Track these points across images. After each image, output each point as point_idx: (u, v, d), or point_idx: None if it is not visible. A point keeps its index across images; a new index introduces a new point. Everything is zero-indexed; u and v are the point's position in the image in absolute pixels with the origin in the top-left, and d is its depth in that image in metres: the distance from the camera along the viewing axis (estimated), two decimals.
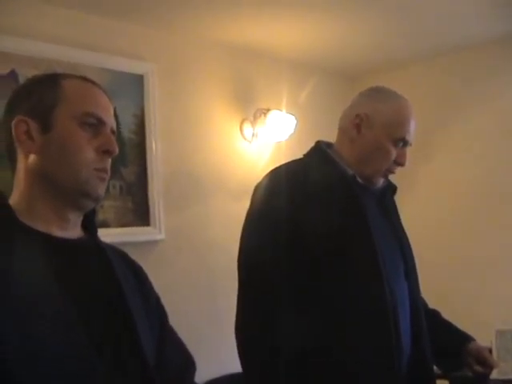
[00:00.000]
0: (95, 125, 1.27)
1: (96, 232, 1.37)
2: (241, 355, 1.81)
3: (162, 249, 3.30)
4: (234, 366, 1.94)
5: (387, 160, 1.90)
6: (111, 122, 1.31)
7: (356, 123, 1.92)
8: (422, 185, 4.14)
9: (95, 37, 3.12)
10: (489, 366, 2.03)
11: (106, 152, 1.27)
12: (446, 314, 2.18)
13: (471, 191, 3.93)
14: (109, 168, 1.30)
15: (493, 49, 3.84)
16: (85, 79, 1.32)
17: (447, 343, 2.09)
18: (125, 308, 1.27)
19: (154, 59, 3.36)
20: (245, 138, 3.81)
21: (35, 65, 2.79)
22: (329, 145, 2.00)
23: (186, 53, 3.56)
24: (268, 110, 3.77)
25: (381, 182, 1.96)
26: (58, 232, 1.25)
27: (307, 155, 2.00)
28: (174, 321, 1.48)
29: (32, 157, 1.24)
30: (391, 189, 2.04)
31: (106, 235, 1.39)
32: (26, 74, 2.72)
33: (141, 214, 3.22)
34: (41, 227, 1.22)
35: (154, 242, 3.27)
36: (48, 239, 1.22)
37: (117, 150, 1.29)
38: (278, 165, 1.94)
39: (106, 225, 2.94)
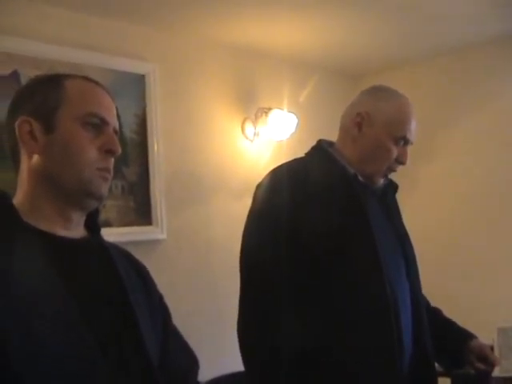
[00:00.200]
0: (98, 125, 1.27)
1: (99, 231, 1.37)
2: (242, 355, 1.81)
3: (163, 248, 3.30)
4: (236, 365, 1.94)
5: (388, 158, 1.90)
6: (114, 122, 1.31)
7: (357, 122, 1.92)
8: (423, 184, 4.15)
9: (97, 37, 3.13)
10: (490, 364, 2.03)
11: (109, 152, 1.28)
12: (448, 313, 2.18)
13: (472, 191, 3.94)
14: (112, 168, 1.30)
15: (493, 48, 3.85)
16: (88, 79, 1.32)
17: (449, 341, 2.09)
18: (128, 307, 1.27)
19: (155, 59, 3.37)
20: (246, 137, 3.82)
21: (37, 65, 2.80)
22: (330, 144, 2.00)
23: (187, 53, 3.56)
24: (269, 109, 3.78)
25: (382, 180, 1.96)
26: (61, 231, 1.25)
27: (308, 154, 2.00)
28: (176, 320, 1.48)
29: (35, 157, 1.24)
30: (392, 187, 2.04)
31: (108, 234, 1.39)
32: (28, 74, 2.73)
33: (143, 214, 3.23)
34: (44, 227, 1.22)
35: (156, 242, 3.28)
36: (51, 239, 1.22)
37: (119, 150, 1.29)
38: (279, 164, 1.94)
39: (108, 224, 2.95)
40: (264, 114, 3.79)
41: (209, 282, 3.49)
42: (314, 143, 2.02)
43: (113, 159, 1.30)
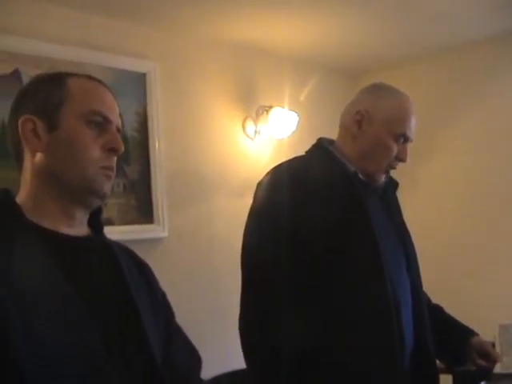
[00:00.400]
0: (101, 123, 1.27)
1: (102, 229, 1.37)
2: (243, 354, 1.82)
3: (165, 246, 3.31)
4: (238, 362, 1.95)
5: (388, 156, 1.90)
6: (117, 121, 1.32)
7: (357, 119, 1.92)
8: (423, 182, 4.15)
9: (98, 36, 3.13)
10: (492, 361, 2.03)
11: (112, 150, 1.28)
12: (449, 310, 2.19)
13: (473, 189, 3.94)
14: (115, 166, 1.30)
15: (494, 47, 3.85)
16: (90, 78, 1.32)
17: (450, 338, 2.09)
18: (131, 305, 1.27)
19: (156, 58, 3.37)
20: (247, 136, 3.82)
21: (38, 64, 2.81)
22: (331, 142, 2.01)
23: (188, 51, 3.57)
24: (270, 107, 3.78)
25: (383, 178, 1.96)
26: (64, 229, 1.25)
27: (309, 152, 2.01)
28: (178, 318, 1.48)
29: (39, 155, 1.25)
30: (393, 185, 2.05)
31: (110, 233, 1.40)
32: (29, 73, 2.74)
33: (144, 212, 3.23)
34: (47, 225, 1.23)
35: (158, 240, 3.28)
36: (55, 236, 1.22)
37: (122, 148, 1.29)
38: (280, 162, 1.95)
39: (109, 222, 2.95)
40: (265, 113, 3.80)
41: (210, 279, 3.49)
42: (314, 141, 2.03)
43: (116, 157, 1.30)
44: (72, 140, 1.24)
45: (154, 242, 3.24)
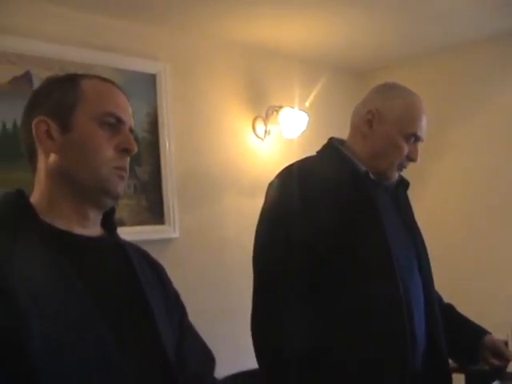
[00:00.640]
0: (114, 124, 1.28)
1: (115, 230, 1.38)
2: (255, 354, 1.82)
3: (176, 247, 3.31)
4: (250, 362, 1.95)
5: (399, 155, 1.90)
6: (130, 121, 1.32)
7: (368, 119, 1.92)
8: (433, 182, 4.14)
9: (108, 37, 3.14)
10: (505, 359, 2.03)
11: (125, 150, 1.29)
12: (461, 309, 2.18)
13: (483, 187, 3.93)
14: (128, 166, 1.31)
15: (505, 43, 3.83)
16: (103, 79, 1.33)
17: (463, 337, 2.08)
18: (145, 305, 1.27)
19: (166, 59, 3.38)
20: (257, 136, 3.82)
21: (49, 66, 2.83)
22: (341, 141, 2.00)
23: (198, 52, 3.57)
24: (280, 107, 3.78)
25: (395, 177, 1.96)
26: (78, 230, 1.26)
27: (320, 152, 2.01)
28: (189, 318, 1.49)
29: (52, 156, 1.25)
30: (404, 184, 2.04)
31: (121, 234, 1.40)
32: (40, 75, 2.76)
33: (155, 213, 3.24)
34: (61, 225, 1.23)
35: (169, 240, 3.29)
36: (68, 237, 1.23)
37: (136, 149, 1.30)
38: (290, 162, 1.95)
39: (120, 223, 2.92)
40: (275, 113, 3.80)
41: (222, 279, 3.50)
42: (324, 141, 2.02)
43: (129, 158, 1.31)
44: (85, 141, 1.25)
45: (164, 242, 3.25)
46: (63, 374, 1.06)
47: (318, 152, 2.01)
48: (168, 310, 1.36)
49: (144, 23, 3.28)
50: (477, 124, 3.97)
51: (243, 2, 3.10)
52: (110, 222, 1.37)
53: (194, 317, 1.50)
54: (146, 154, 3.23)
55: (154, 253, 1.50)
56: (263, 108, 3.83)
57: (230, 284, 3.50)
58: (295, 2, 3.13)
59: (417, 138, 1.91)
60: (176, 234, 3.32)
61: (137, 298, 1.28)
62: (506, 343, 2.13)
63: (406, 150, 1.89)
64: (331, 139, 2.01)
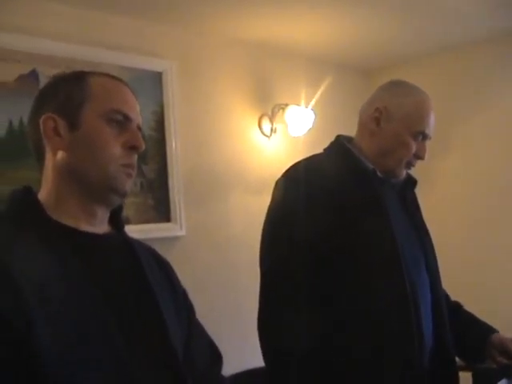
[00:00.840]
0: (122, 121, 1.28)
1: (123, 227, 1.38)
2: (261, 352, 1.82)
3: (182, 245, 3.31)
4: (257, 361, 1.95)
5: (407, 153, 1.89)
6: (137, 119, 1.32)
7: (375, 117, 1.91)
8: (441, 179, 4.13)
9: (115, 35, 3.14)
10: None
11: (133, 148, 1.29)
12: (469, 308, 2.17)
13: (490, 184, 3.92)
14: (135, 164, 1.31)
15: (510, 41, 3.81)
16: (111, 76, 1.33)
17: (470, 335, 2.08)
18: (154, 305, 1.27)
19: (172, 57, 3.38)
20: (263, 134, 3.82)
21: (56, 64, 2.83)
22: (349, 139, 2.00)
23: (204, 50, 3.57)
24: (286, 105, 3.78)
25: (403, 175, 1.96)
26: (85, 227, 1.26)
27: (327, 150, 2.00)
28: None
29: (60, 153, 1.25)
30: (411, 182, 2.04)
31: (127, 232, 1.40)
32: (46, 73, 2.77)
33: (161, 211, 3.24)
34: (69, 222, 1.23)
35: (175, 238, 3.29)
36: (76, 234, 1.23)
37: (143, 146, 1.30)
38: (296, 160, 1.94)
39: (126, 221, 2.91)
40: (281, 110, 3.80)
41: (228, 277, 3.49)
42: (330, 139, 2.02)
43: (136, 156, 1.31)
44: (93, 138, 1.25)
45: (171, 240, 3.25)
46: (73, 375, 1.06)
47: (325, 149, 2.01)
48: (176, 309, 1.36)
49: (151, 21, 3.27)
50: (481, 123, 3.96)
51: (250, 1, 3.10)
52: (117, 220, 1.37)
53: (201, 315, 1.50)
54: (153, 152, 3.23)
55: (161, 251, 1.50)
56: (269, 106, 3.83)
57: (237, 282, 3.50)
58: (302, 1, 3.13)
59: (425, 136, 1.90)
60: (182, 232, 3.32)
61: (145, 297, 1.27)
62: None
63: (413, 147, 1.88)
64: (338, 137, 2.00)
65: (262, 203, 1.97)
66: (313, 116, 3.79)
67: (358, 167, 1.90)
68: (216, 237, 3.49)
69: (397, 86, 1.97)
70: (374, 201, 1.84)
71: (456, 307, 2.14)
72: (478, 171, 3.97)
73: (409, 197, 2.02)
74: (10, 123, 2.69)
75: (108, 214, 1.34)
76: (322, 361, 1.72)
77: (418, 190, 2.06)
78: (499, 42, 3.83)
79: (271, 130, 3.82)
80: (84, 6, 2.98)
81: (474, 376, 2.30)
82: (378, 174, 1.89)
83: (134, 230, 1.48)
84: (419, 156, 1.91)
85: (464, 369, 2.18)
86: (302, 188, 1.80)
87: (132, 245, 1.35)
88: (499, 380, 2.06)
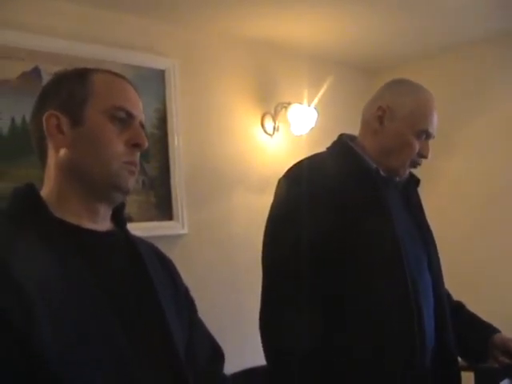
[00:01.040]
0: (124, 119, 1.28)
1: (125, 225, 1.38)
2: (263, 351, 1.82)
3: (184, 243, 3.31)
4: (258, 359, 1.94)
5: (410, 152, 1.89)
6: (140, 116, 1.32)
7: (378, 115, 1.91)
8: (443, 179, 4.12)
9: (117, 33, 3.14)
10: None
11: (136, 145, 1.28)
12: (471, 307, 2.17)
13: (493, 184, 3.91)
14: (138, 161, 1.31)
15: None
16: (114, 74, 1.33)
17: (472, 335, 2.07)
18: (155, 302, 1.27)
19: (175, 55, 3.38)
20: (266, 132, 3.81)
21: (58, 61, 2.83)
22: (352, 138, 1.99)
23: (207, 48, 3.57)
24: (289, 103, 3.78)
25: (406, 174, 1.95)
26: (88, 225, 1.26)
27: (330, 148, 2.00)
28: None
29: (63, 151, 1.25)
30: (414, 181, 2.03)
31: (130, 230, 1.40)
32: (48, 70, 2.77)
33: (163, 209, 3.24)
34: (71, 220, 1.23)
35: (177, 237, 3.29)
36: (79, 231, 1.23)
37: (146, 144, 1.30)
38: (298, 158, 1.94)
39: (129, 219, 2.89)
40: (284, 109, 3.79)
41: (230, 276, 3.49)
42: (332, 138, 2.02)
43: (139, 153, 1.31)
44: (96, 136, 1.25)
45: (173, 238, 3.25)
46: (73, 375, 1.05)
47: (327, 148, 2.00)
48: (178, 308, 1.36)
49: (154, 19, 3.27)
50: (484, 123, 3.95)
51: (252, 0, 3.10)
52: (119, 217, 1.37)
53: (203, 312, 1.50)
54: (155, 150, 3.23)
55: (162, 249, 1.50)
56: (272, 104, 3.82)
57: (239, 280, 3.50)
58: (304, 0, 3.13)
59: (428, 135, 1.90)
60: (184, 230, 3.32)
61: (147, 296, 1.27)
62: None
63: (416, 146, 1.88)
64: (341, 135, 2.00)
65: (264, 202, 1.97)
66: (315, 115, 3.78)
67: (361, 166, 1.89)
68: (218, 235, 3.49)
69: (400, 85, 1.97)
70: (376, 200, 1.84)
71: (458, 307, 2.14)
72: (480, 171, 3.96)
73: (412, 196, 2.02)
74: (13, 121, 2.69)
75: (110, 212, 1.34)
76: (323, 361, 1.71)
77: (420, 190, 2.06)
78: (503, 42, 3.82)
79: (274, 128, 3.82)
80: (87, 3, 2.99)
81: (475, 376, 2.29)
82: (381, 173, 1.89)
83: (136, 228, 1.48)
84: (422, 155, 1.91)
85: (466, 369, 2.18)
86: (305, 187, 1.80)
87: (134, 242, 1.35)
88: (501, 380, 2.06)
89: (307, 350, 1.69)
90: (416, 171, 2.00)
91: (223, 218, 3.54)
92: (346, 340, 1.73)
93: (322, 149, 2.01)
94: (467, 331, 2.07)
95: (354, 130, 2.01)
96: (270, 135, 3.82)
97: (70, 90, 1.27)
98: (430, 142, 1.92)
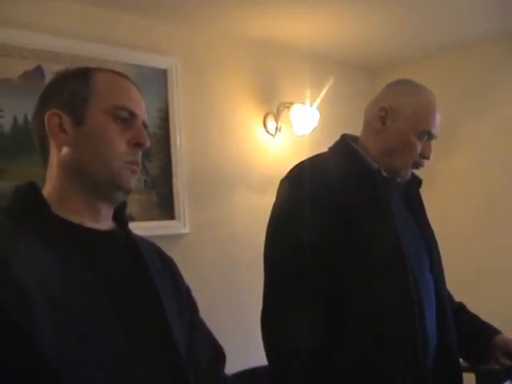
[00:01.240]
0: (127, 118, 1.27)
1: (127, 224, 1.38)
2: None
3: (186, 242, 3.31)
4: (260, 359, 1.94)
5: (412, 153, 1.88)
6: (143, 116, 1.32)
7: (381, 116, 1.90)
8: (445, 179, 4.11)
9: (120, 33, 3.14)
10: None
11: (138, 145, 1.28)
12: (472, 308, 2.17)
13: (495, 185, 3.90)
14: (140, 161, 1.31)
15: None
16: (116, 73, 1.33)
17: (473, 336, 2.07)
18: (156, 300, 1.27)
19: (177, 54, 3.37)
20: (268, 132, 3.81)
21: (61, 60, 2.83)
22: (354, 138, 1.99)
23: (209, 47, 3.57)
24: (291, 103, 3.78)
25: (408, 174, 1.95)
26: (89, 223, 1.26)
27: (332, 149, 1.99)
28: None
29: (65, 149, 1.25)
30: (416, 182, 2.03)
31: (131, 229, 1.40)
32: (51, 69, 2.77)
33: (165, 208, 3.24)
34: (73, 219, 1.23)
35: (179, 236, 3.29)
36: (79, 230, 1.23)
37: (148, 143, 1.30)
38: (301, 158, 1.94)
39: (130, 219, 2.88)
40: (286, 109, 3.79)
41: (231, 275, 3.49)
42: (334, 138, 2.02)
43: (141, 152, 1.31)
44: (98, 135, 1.25)
45: (175, 238, 3.25)
46: (73, 374, 1.05)
47: (330, 148, 2.00)
48: (179, 308, 1.36)
49: (156, 19, 3.27)
50: (486, 123, 3.94)
51: (255, 0, 3.09)
52: (121, 217, 1.37)
53: (204, 312, 1.50)
54: (157, 150, 3.22)
55: (164, 248, 1.50)
56: (274, 104, 3.82)
57: (240, 280, 3.49)
58: (306, 0, 3.13)
59: (430, 136, 1.89)
60: (186, 230, 3.32)
61: (148, 296, 1.27)
62: None
63: (419, 147, 1.87)
64: (344, 136, 1.99)
65: (266, 201, 1.97)
66: (318, 115, 3.78)
67: (363, 167, 1.89)
68: (220, 235, 3.49)
69: (403, 85, 1.96)
70: (378, 200, 1.84)
71: (459, 308, 2.14)
72: (481, 172, 3.96)
73: (413, 197, 2.02)
74: (15, 119, 2.69)
75: (112, 211, 1.34)
76: (324, 361, 1.71)
77: (422, 190, 2.06)
78: (503, 42, 3.81)
79: (276, 128, 3.81)
80: (90, 2, 2.98)
81: (477, 378, 2.29)
82: (383, 173, 1.89)
83: (137, 227, 1.48)
84: (424, 156, 1.91)
85: (467, 370, 2.18)
86: (307, 188, 1.80)
87: (136, 242, 1.35)
88: (503, 381, 2.05)
89: (308, 351, 1.69)
90: (417, 171, 2.00)
91: (225, 218, 3.54)
92: (347, 340, 1.74)
93: (324, 149, 2.01)
94: (469, 332, 2.07)
95: (356, 130, 2.01)
96: (272, 135, 3.82)
97: (72, 89, 1.27)
98: (432, 142, 1.92)
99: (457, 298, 2.16)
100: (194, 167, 3.40)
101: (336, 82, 4.14)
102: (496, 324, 2.11)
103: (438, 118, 1.90)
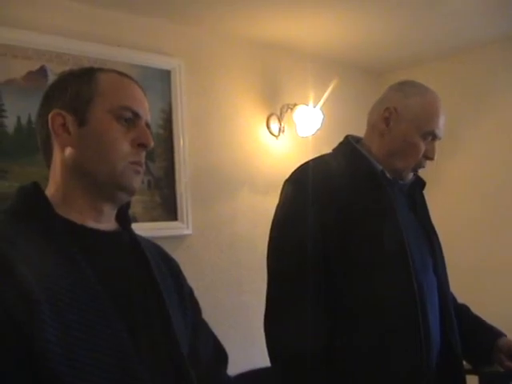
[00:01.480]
0: (130, 118, 1.27)
1: (130, 225, 1.38)
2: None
3: (189, 243, 3.31)
4: (262, 360, 1.94)
5: (416, 154, 1.88)
6: (146, 116, 1.32)
7: (385, 117, 1.90)
8: (449, 181, 4.11)
9: (123, 33, 3.14)
10: None
11: (142, 145, 1.28)
12: (476, 310, 2.16)
13: (498, 186, 3.89)
14: (143, 161, 1.30)
15: None
16: (120, 73, 1.32)
17: (477, 339, 2.07)
18: (159, 301, 1.27)
19: (181, 55, 3.37)
20: (271, 133, 3.80)
21: (64, 61, 2.84)
22: (358, 139, 1.99)
23: (212, 48, 3.56)
24: (295, 105, 3.77)
25: (410, 176, 1.95)
26: (92, 224, 1.26)
27: (335, 150, 2.00)
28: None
29: (68, 150, 1.25)
30: (419, 184, 2.03)
31: (134, 230, 1.40)
32: (55, 69, 2.78)
33: (168, 209, 3.24)
34: (76, 219, 1.23)
35: (182, 237, 3.28)
36: (83, 231, 1.23)
37: (152, 143, 1.30)
38: (304, 160, 1.94)
39: (133, 219, 2.91)
40: (289, 110, 3.79)
41: (234, 277, 3.49)
42: (338, 139, 2.02)
43: (145, 153, 1.30)
44: (101, 135, 1.25)
45: (177, 239, 3.24)
46: (75, 374, 1.05)
47: (333, 150, 2.00)
48: (182, 308, 1.36)
49: (159, 19, 3.27)
50: (490, 124, 3.94)
51: (259, 1, 3.10)
52: (124, 217, 1.37)
53: (207, 313, 1.50)
54: (160, 150, 3.22)
55: (167, 249, 1.50)
56: (278, 106, 3.82)
57: (243, 281, 3.49)
58: (311, 2, 3.13)
59: (434, 137, 1.89)
60: (189, 231, 3.31)
61: (151, 296, 1.27)
62: None
63: (422, 148, 1.87)
64: (347, 137, 2.00)
65: (269, 203, 1.97)
66: (321, 116, 3.77)
67: (367, 168, 1.89)
68: (223, 236, 3.49)
69: (407, 86, 1.96)
70: (381, 202, 1.84)
71: (463, 310, 2.13)
72: (486, 173, 3.95)
73: (417, 198, 2.01)
74: (18, 120, 2.69)
75: (115, 211, 1.34)
76: (328, 362, 1.71)
77: (426, 192, 2.06)
78: (509, 45, 3.80)
79: (279, 129, 3.81)
80: (94, 3, 2.99)
81: (480, 380, 2.28)
82: (387, 175, 1.88)
83: (140, 228, 1.48)
84: (428, 157, 1.91)
85: (471, 372, 2.17)
86: (310, 189, 1.79)
87: (139, 242, 1.35)
88: None
89: (311, 352, 1.69)
90: (421, 173, 2.00)
91: (228, 219, 3.53)
92: (350, 341, 1.74)
93: (327, 150, 2.01)
94: (472, 334, 2.07)
95: (360, 131, 2.01)
96: (276, 136, 3.81)
97: (76, 90, 1.27)
98: (436, 143, 1.92)
99: (460, 298, 2.16)
100: (198, 168, 3.40)
101: (339, 83, 4.14)
102: (499, 325, 2.10)
103: (442, 118, 1.90)
